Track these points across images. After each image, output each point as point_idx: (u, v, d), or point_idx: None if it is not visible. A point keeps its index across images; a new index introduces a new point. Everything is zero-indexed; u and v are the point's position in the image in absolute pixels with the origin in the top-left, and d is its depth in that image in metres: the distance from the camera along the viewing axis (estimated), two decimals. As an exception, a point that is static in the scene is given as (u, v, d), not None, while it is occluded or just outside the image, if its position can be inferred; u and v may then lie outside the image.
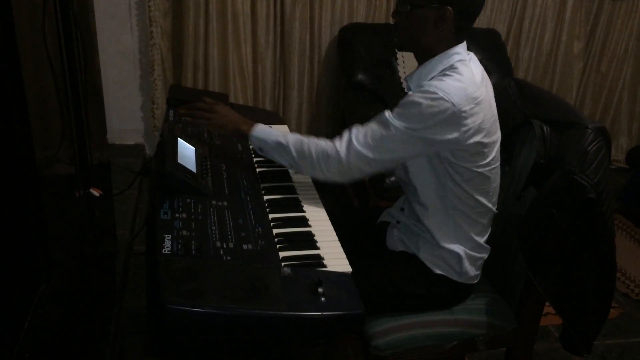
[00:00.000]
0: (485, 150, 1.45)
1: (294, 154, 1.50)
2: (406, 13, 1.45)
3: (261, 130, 1.57)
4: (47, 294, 1.32)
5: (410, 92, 1.45)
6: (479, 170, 1.46)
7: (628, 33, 3.63)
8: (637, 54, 3.71)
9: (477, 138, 1.41)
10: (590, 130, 1.45)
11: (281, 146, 1.52)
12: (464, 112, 1.37)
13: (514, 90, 1.69)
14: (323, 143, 1.49)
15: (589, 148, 1.42)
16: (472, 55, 1.49)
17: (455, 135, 1.38)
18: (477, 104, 1.39)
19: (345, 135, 1.47)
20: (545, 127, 1.54)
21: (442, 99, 1.36)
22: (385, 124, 1.42)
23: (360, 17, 3.23)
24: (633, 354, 2.23)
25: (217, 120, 1.62)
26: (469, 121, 1.38)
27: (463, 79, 1.40)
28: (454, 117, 1.37)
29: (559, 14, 3.47)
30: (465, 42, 1.47)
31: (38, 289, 1.30)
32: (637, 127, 3.90)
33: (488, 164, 1.47)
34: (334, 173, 1.49)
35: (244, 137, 1.60)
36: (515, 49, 3.51)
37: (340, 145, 1.46)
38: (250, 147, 1.75)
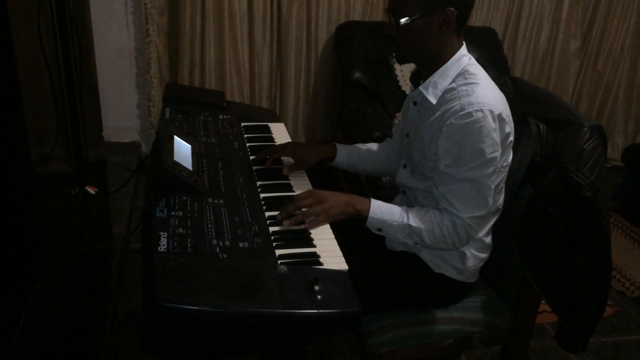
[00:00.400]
0: (511, 146, 1.46)
1: (425, 237, 1.43)
2: (406, 26, 1.36)
3: (378, 209, 1.45)
4: (43, 292, 1.31)
5: (447, 123, 1.37)
6: (507, 169, 1.47)
7: (624, 32, 3.64)
8: (633, 52, 3.71)
9: (511, 137, 1.43)
10: (586, 129, 1.45)
11: (411, 229, 1.43)
12: (507, 115, 1.40)
13: (510, 88, 1.69)
14: (447, 222, 1.41)
15: (585, 146, 1.43)
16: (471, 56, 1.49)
17: (504, 137, 1.39)
18: (505, 103, 1.42)
19: (446, 214, 1.42)
20: (541, 125, 1.54)
21: (489, 111, 1.34)
22: (469, 178, 1.38)
23: (357, 15, 3.23)
24: (628, 352, 2.23)
25: (333, 210, 1.43)
26: (507, 120, 1.40)
27: (487, 84, 1.41)
28: (501, 120, 1.38)
29: (555, 12, 3.47)
30: (464, 43, 1.47)
31: (33, 287, 1.30)
32: (633, 126, 3.91)
33: (509, 160, 1.48)
34: (464, 242, 1.46)
35: (362, 219, 1.45)
36: (511, 47, 3.51)
37: (452, 220, 1.41)
38: (247, 144, 1.75)
